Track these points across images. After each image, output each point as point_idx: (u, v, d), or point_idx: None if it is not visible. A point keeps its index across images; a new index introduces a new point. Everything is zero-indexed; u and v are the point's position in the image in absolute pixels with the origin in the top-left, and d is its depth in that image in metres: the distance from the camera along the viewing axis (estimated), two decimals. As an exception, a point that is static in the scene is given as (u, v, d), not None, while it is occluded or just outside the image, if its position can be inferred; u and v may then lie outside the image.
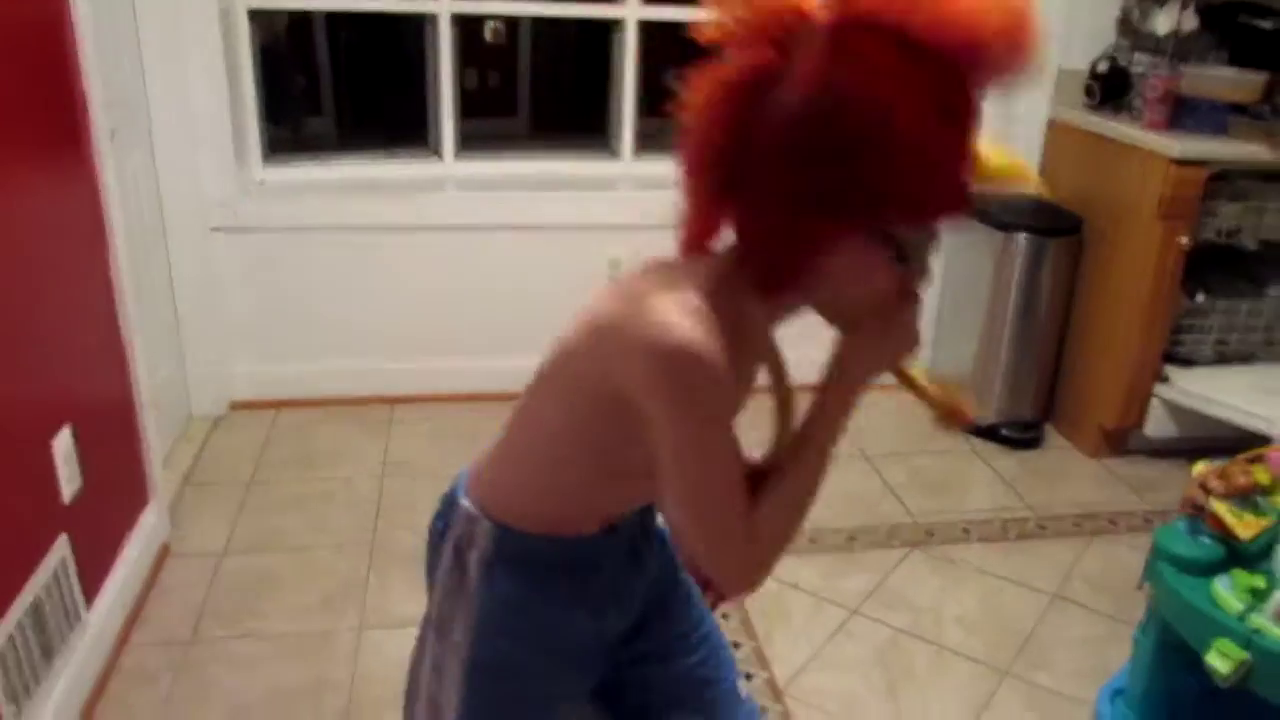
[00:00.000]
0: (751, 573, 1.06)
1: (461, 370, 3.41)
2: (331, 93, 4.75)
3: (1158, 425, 3.19)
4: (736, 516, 1.02)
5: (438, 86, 3.40)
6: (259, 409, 3.32)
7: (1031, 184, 1.03)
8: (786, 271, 0.99)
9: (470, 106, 3.56)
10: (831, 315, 1.05)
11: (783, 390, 1.16)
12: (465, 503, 1.20)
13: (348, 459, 3.07)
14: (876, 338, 1.05)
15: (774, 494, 1.05)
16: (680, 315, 0.94)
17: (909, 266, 0.99)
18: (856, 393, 1.07)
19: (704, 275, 1.00)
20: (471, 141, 3.53)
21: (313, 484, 2.93)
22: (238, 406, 3.32)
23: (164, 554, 2.57)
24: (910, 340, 1.07)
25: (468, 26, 3.47)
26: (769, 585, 2.54)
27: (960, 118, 0.91)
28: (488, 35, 3.72)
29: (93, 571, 2.16)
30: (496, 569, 1.16)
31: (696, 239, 1.04)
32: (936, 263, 1.01)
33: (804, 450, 1.07)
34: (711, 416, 0.98)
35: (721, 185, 0.98)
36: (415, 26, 3.40)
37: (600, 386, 1.02)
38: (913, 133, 0.87)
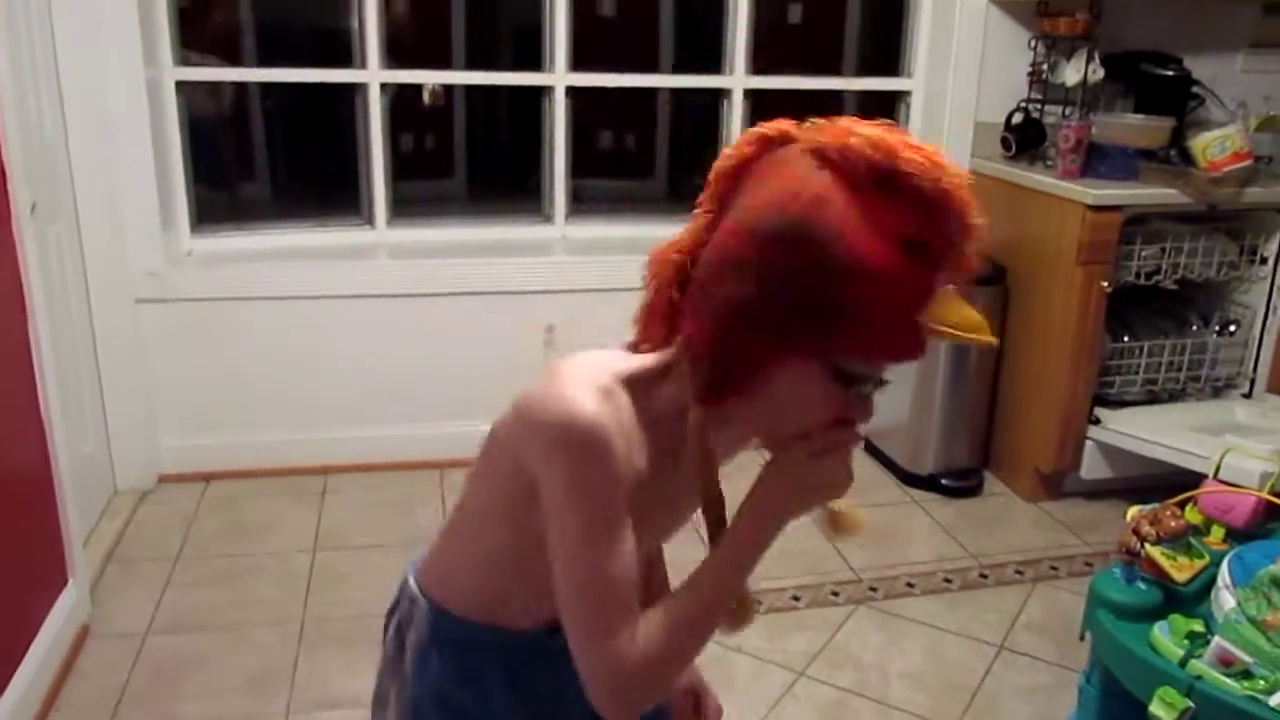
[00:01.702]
0: (623, 688, 0.95)
1: (396, 438, 3.35)
2: (265, 157, 4.70)
3: (1093, 467, 3.23)
4: (617, 620, 0.94)
5: (369, 155, 3.38)
6: (188, 481, 3.22)
7: (986, 339, 0.99)
8: (726, 385, 0.94)
9: (407, 169, 3.54)
10: (770, 442, 1.00)
11: (711, 514, 1.04)
12: (411, 581, 1.17)
13: (279, 531, 2.99)
14: (804, 469, 0.97)
15: (662, 612, 0.97)
16: (583, 392, 0.91)
17: (853, 401, 0.94)
18: (771, 526, 0.98)
19: (636, 368, 0.97)
20: (406, 205, 3.51)
21: (242, 558, 2.84)
22: (166, 479, 3.23)
23: (84, 635, 2.47)
24: (841, 478, 0.99)
25: (406, 89, 3.46)
26: (711, 649, 2.50)
27: (928, 259, 0.87)
28: (426, 98, 3.72)
29: (5, 657, 2.07)
30: (432, 654, 1.12)
31: (644, 335, 0.99)
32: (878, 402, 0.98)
33: (702, 575, 0.99)
34: (602, 506, 0.92)
35: (676, 285, 0.95)
36: (350, 89, 3.38)
37: (513, 464, 0.99)
38: (877, 265, 0.85)
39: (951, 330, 0.96)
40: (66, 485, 2.41)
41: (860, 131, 0.87)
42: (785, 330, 0.88)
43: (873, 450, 3.60)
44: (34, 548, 2.29)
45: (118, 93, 2.89)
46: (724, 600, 1.00)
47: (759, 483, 0.99)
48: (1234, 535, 2.01)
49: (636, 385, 0.95)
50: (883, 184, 0.85)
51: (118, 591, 2.67)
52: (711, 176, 0.95)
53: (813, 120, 0.92)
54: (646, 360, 0.98)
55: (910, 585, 2.83)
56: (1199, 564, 1.90)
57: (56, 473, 2.36)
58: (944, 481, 3.36)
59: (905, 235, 0.85)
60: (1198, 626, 1.75)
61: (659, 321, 0.97)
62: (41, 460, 2.31)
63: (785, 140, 0.92)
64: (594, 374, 0.94)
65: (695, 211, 0.96)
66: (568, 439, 0.90)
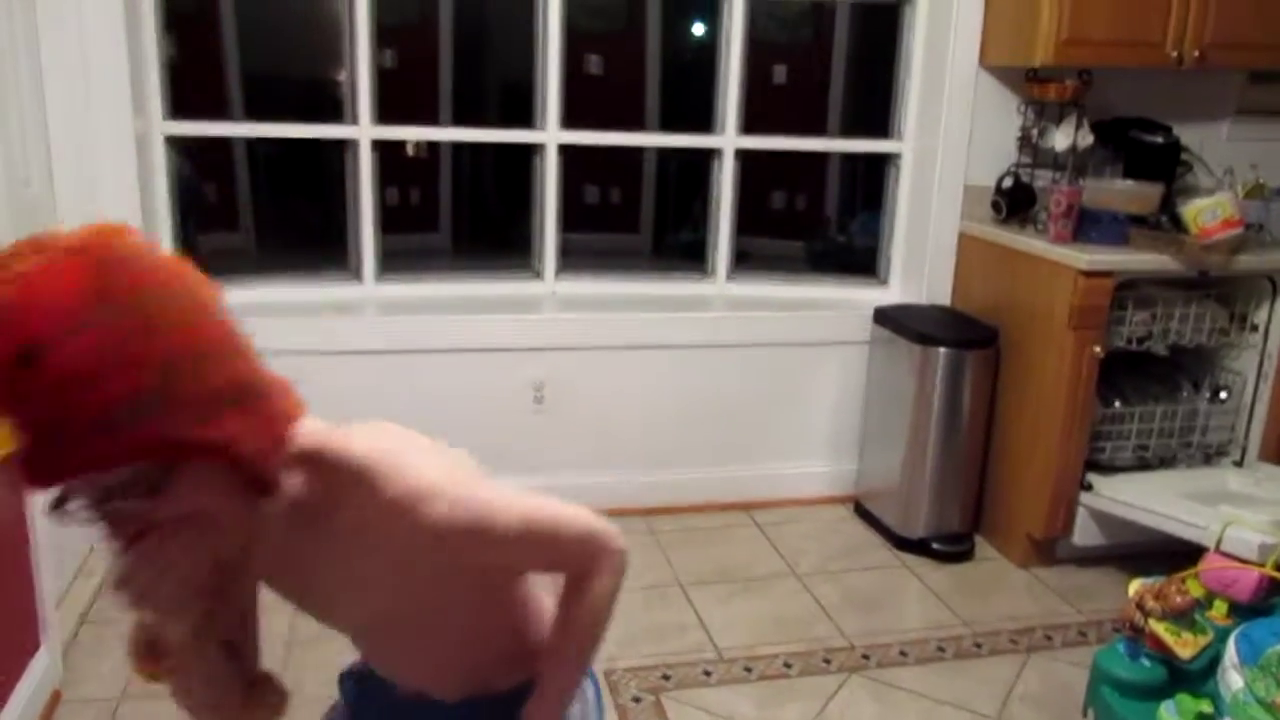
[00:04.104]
0: (619, 549, 1.15)
1: (380, 496, 3.28)
2: (250, 210, 4.67)
3: (1085, 533, 3.19)
4: (575, 521, 1.14)
5: (358, 209, 3.35)
6: (164, 543, 3.14)
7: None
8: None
9: (391, 222, 3.52)
10: None
11: None
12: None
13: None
14: None
15: None
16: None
17: None
18: None
19: None
20: (391, 259, 3.48)
21: (220, 624, 2.76)
22: (142, 539, 3.15)
23: (55, 701, 2.39)
24: None
25: (390, 142, 3.44)
26: (705, 722, 2.45)
27: None
28: (410, 150, 3.71)
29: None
30: None
31: None
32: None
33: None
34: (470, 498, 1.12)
35: None
36: (336, 143, 3.37)
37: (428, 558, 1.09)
38: None
39: None
40: (41, 544, 2.33)
41: None
42: None
43: (863, 513, 3.56)
44: (5, 611, 2.22)
45: (107, 147, 2.86)
46: None
47: None
48: (1238, 610, 1.98)
49: None
50: None
51: (91, 654, 2.58)
52: None
53: None
54: None
55: (903, 654, 2.78)
56: (1204, 640, 1.86)
57: (31, 534, 2.29)
58: (935, 546, 3.32)
59: None
60: (1206, 707, 1.72)
61: None
62: (16, 520, 2.24)
63: None
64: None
65: None
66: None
